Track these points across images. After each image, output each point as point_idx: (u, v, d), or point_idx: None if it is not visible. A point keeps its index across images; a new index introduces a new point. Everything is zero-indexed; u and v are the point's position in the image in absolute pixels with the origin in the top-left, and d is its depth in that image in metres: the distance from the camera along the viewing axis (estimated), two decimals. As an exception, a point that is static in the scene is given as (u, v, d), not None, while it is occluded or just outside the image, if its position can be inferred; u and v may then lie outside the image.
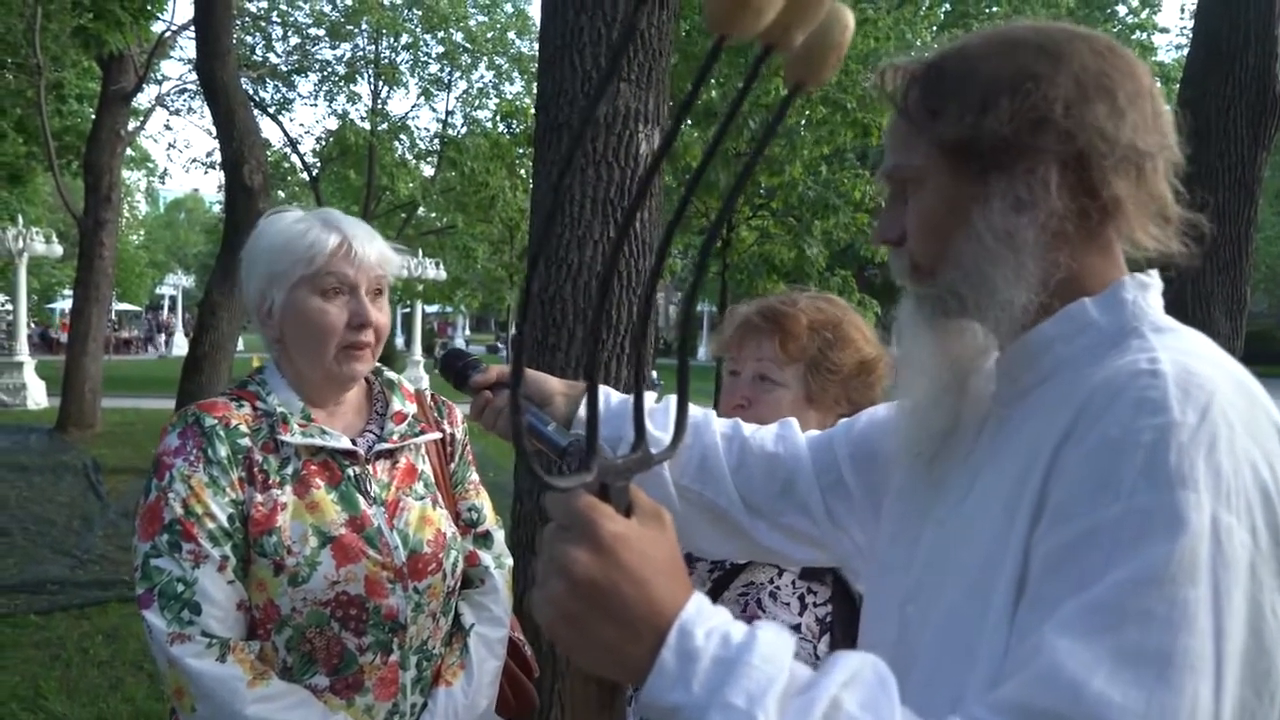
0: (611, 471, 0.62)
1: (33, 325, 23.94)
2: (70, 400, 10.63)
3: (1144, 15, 22.95)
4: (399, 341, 24.11)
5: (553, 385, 1.12)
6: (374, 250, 1.35)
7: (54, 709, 3.59)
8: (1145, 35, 22.91)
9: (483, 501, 1.52)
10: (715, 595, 1.43)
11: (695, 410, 1.12)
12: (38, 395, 13.18)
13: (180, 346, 25.67)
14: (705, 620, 0.60)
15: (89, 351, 10.79)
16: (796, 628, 1.35)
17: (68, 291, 18.86)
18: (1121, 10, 22.70)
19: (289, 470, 1.30)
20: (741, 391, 1.44)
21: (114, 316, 29.60)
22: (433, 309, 25.93)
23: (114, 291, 16.24)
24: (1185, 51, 4.89)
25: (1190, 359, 0.69)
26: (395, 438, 1.39)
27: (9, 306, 17.31)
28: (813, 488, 1.04)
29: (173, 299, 37.99)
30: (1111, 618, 0.61)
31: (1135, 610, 0.60)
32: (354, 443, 1.36)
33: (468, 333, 38.28)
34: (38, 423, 10.99)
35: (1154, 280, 0.80)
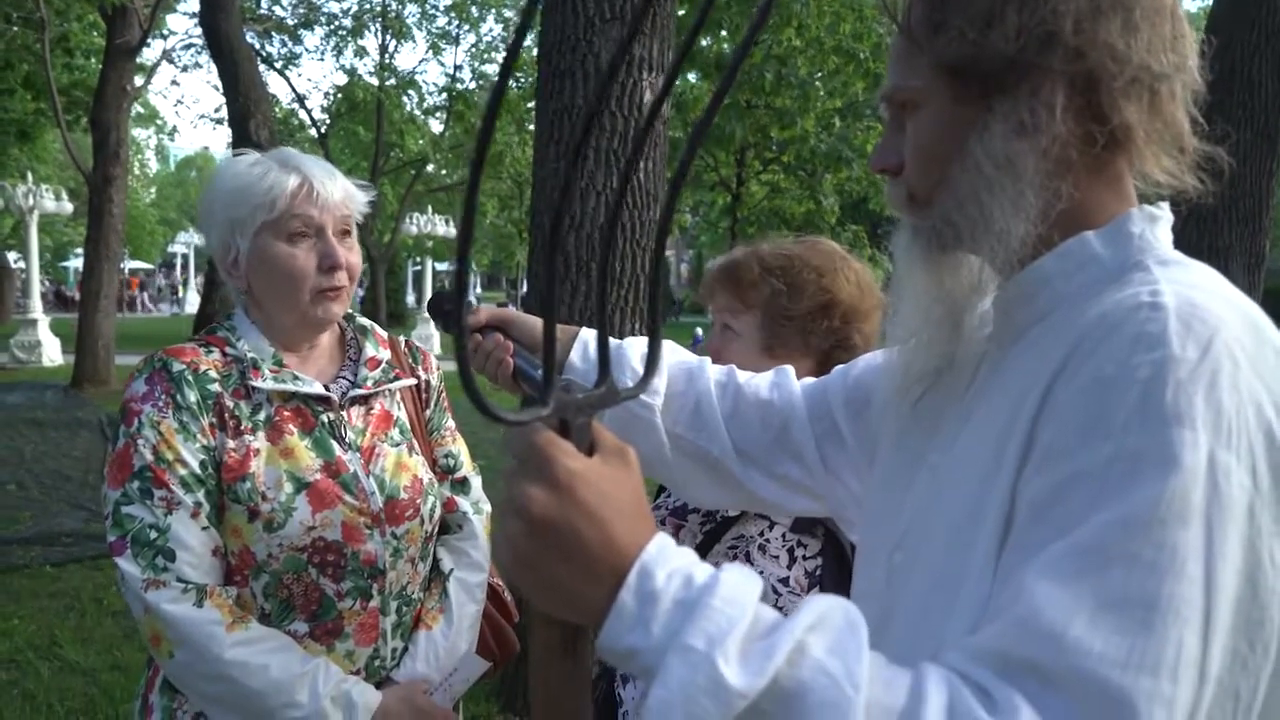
0: (571, 407, 0.58)
1: (46, 283, 24.08)
2: (84, 357, 10.73)
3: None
4: (410, 299, 24.14)
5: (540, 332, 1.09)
6: (337, 188, 1.30)
7: (69, 657, 3.66)
8: (1171, -16, 22.26)
9: (459, 448, 1.51)
10: (706, 548, 1.42)
11: (690, 357, 1.09)
12: (52, 352, 13.29)
13: (193, 304, 25.78)
14: (667, 561, 0.57)
15: (102, 309, 10.85)
16: (785, 580, 1.34)
17: (80, 249, 18.93)
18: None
19: (261, 416, 1.28)
20: (711, 343, 1.42)
21: (128, 274, 29.74)
22: (443, 266, 25.91)
23: (125, 249, 16.28)
24: (1210, 1, 4.73)
25: (1195, 292, 0.65)
26: (369, 384, 1.37)
27: (22, 264, 17.39)
28: (807, 435, 1.01)
29: (184, 257, 38.11)
30: (1095, 561, 0.57)
31: (1120, 553, 0.57)
32: (327, 389, 1.34)
33: (479, 290, 38.27)
34: (53, 379, 11.10)
35: (1164, 212, 0.75)
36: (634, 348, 1.07)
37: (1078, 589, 0.57)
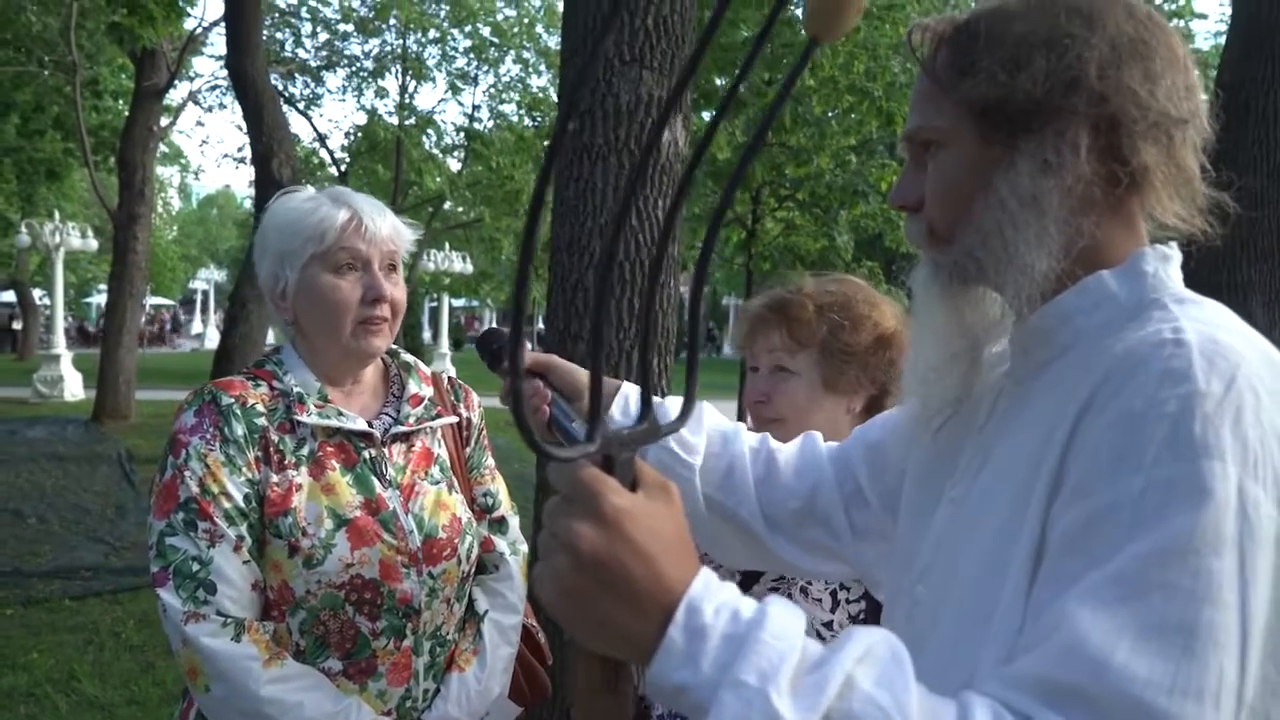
0: (616, 443, 0.59)
1: (69, 319, 24.39)
2: (105, 392, 10.84)
3: (1182, 1, 22.44)
4: (426, 335, 24.29)
5: (583, 379, 1.07)
6: (385, 224, 1.34)
7: (87, 691, 3.66)
8: (1183, 23, 22.39)
9: (498, 487, 1.51)
10: (745, 588, 1.41)
11: (726, 423, 1.10)
12: (74, 387, 13.42)
13: (213, 339, 26.02)
14: (714, 596, 0.57)
15: (123, 344, 10.98)
16: (829, 624, 1.33)
17: (103, 286, 19.21)
18: (1158, -3, 22.22)
19: (305, 451, 1.29)
20: (759, 387, 1.42)
21: (150, 310, 30.05)
22: (459, 302, 26.09)
23: (148, 286, 16.51)
24: (1224, 39, 4.76)
25: (1215, 329, 0.67)
26: (411, 421, 1.38)
27: (47, 301, 17.64)
28: (835, 501, 1.02)
29: (205, 293, 38.55)
30: (1134, 589, 0.59)
31: (1158, 582, 0.59)
32: (370, 425, 1.35)
33: (495, 326, 38.33)
34: (74, 414, 11.20)
35: (1174, 252, 0.78)
36: (674, 408, 1.05)
37: (1119, 616, 0.58)
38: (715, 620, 0.56)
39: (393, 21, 18.28)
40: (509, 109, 19.15)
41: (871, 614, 1.32)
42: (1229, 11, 4.82)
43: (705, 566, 0.60)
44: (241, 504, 1.24)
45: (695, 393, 0.70)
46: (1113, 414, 0.65)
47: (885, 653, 0.58)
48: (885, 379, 1.40)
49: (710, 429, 1.07)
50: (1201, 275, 4.84)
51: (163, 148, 18.36)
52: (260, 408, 1.29)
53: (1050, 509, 0.67)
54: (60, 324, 14.11)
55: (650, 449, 1.01)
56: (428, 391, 1.43)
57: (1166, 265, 0.76)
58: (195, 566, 1.20)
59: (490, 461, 1.51)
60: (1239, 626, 0.58)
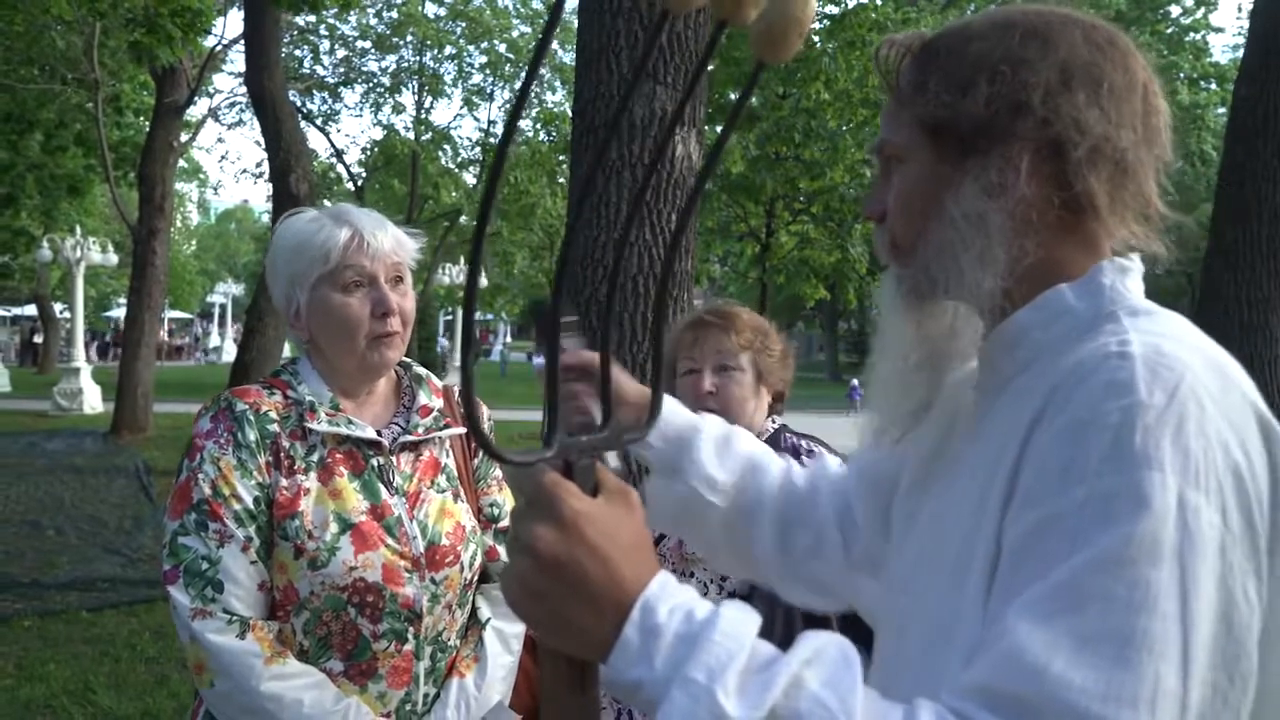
0: (575, 449, 0.61)
1: (89, 333, 24.67)
2: (124, 405, 10.94)
3: (1198, 15, 22.33)
4: (442, 345, 24.44)
5: (626, 392, 0.99)
6: (387, 238, 1.36)
7: (102, 703, 3.68)
8: (1199, 36, 22.28)
9: (505, 497, 1.53)
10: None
11: (757, 449, 1.08)
12: (93, 400, 13.57)
13: (229, 353, 26.23)
14: (669, 597, 0.60)
15: (141, 357, 11.09)
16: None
17: (123, 300, 19.43)
18: (1175, 10, 22.12)
19: (314, 457, 1.33)
20: (709, 381, 1.68)
21: (168, 324, 30.33)
22: (474, 318, 26.25)
23: (166, 299, 16.67)
24: (1241, 53, 4.74)
25: (1163, 340, 0.68)
26: (420, 430, 1.41)
27: (67, 315, 17.86)
28: (837, 537, 1.02)
29: (223, 307, 38.94)
30: (1072, 600, 0.60)
31: (1096, 592, 0.60)
32: (379, 434, 1.38)
33: (509, 339, 38.57)
34: (93, 426, 11.31)
35: (1133, 264, 0.78)
36: (707, 441, 1.04)
37: (1056, 627, 0.60)
38: (669, 620, 0.58)
39: (410, 38, 18.50)
40: (524, 124, 19.32)
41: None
42: (1247, 25, 4.81)
43: (664, 570, 0.62)
44: (251, 506, 1.27)
45: (660, 405, 0.71)
46: (1060, 425, 0.66)
47: (835, 655, 0.59)
48: (787, 379, 1.79)
49: (742, 457, 1.06)
50: (1220, 290, 4.78)
51: (182, 163, 18.63)
52: (273, 415, 1.33)
53: (1003, 520, 0.68)
54: (80, 337, 14.28)
55: (676, 487, 1.02)
56: (437, 403, 1.46)
57: (1124, 277, 0.76)
58: (204, 565, 1.24)
59: (497, 472, 1.54)
60: (1179, 635, 0.59)
